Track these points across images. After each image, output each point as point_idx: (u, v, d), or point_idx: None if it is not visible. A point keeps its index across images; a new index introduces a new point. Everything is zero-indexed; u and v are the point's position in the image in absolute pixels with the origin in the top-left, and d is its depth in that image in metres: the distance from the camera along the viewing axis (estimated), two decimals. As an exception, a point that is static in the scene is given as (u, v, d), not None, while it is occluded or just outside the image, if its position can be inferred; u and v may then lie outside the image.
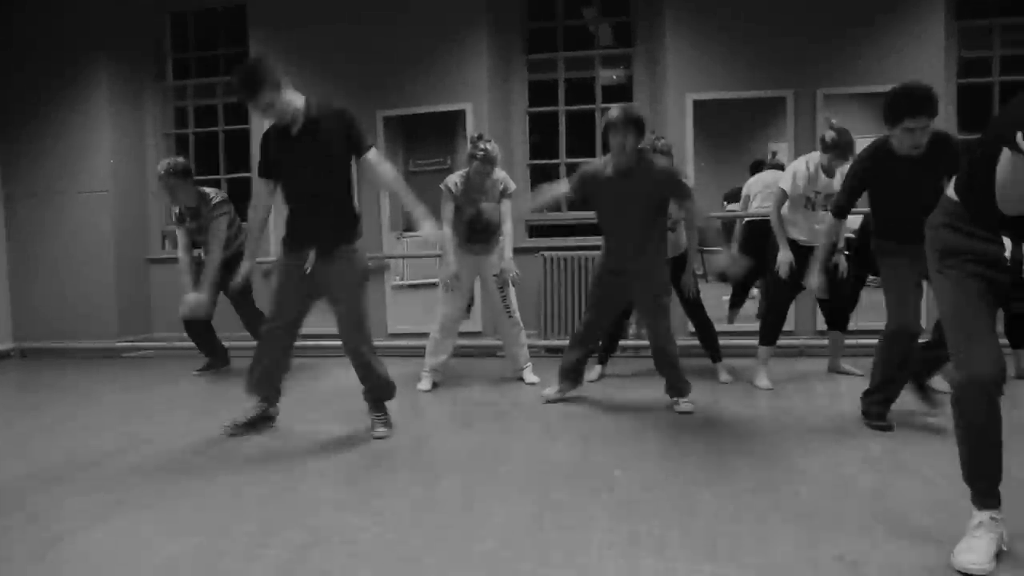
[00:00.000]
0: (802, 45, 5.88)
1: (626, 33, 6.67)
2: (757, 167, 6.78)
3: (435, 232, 3.79)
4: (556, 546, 2.50)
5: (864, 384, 4.01)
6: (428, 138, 8.57)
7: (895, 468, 3.22)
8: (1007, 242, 2.22)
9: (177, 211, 5.56)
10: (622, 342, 5.66)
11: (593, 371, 5.20)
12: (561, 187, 4.45)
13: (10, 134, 7.09)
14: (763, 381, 4.81)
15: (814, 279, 4.12)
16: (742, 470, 3.24)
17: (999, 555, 2.23)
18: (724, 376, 5.01)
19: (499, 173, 4.95)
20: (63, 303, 7.08)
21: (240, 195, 7.07)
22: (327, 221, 3.73)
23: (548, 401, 4.56)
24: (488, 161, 4.78)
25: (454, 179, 4.97)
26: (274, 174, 3.80)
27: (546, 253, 6.25)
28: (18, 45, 7.07)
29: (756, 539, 2.51)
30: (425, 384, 5.08)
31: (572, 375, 4.58)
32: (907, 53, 5.75)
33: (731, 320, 6.52)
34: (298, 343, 4.08)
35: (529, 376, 5.18)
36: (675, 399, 4.34)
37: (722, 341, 5.15)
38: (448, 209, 4.91)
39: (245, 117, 6.92)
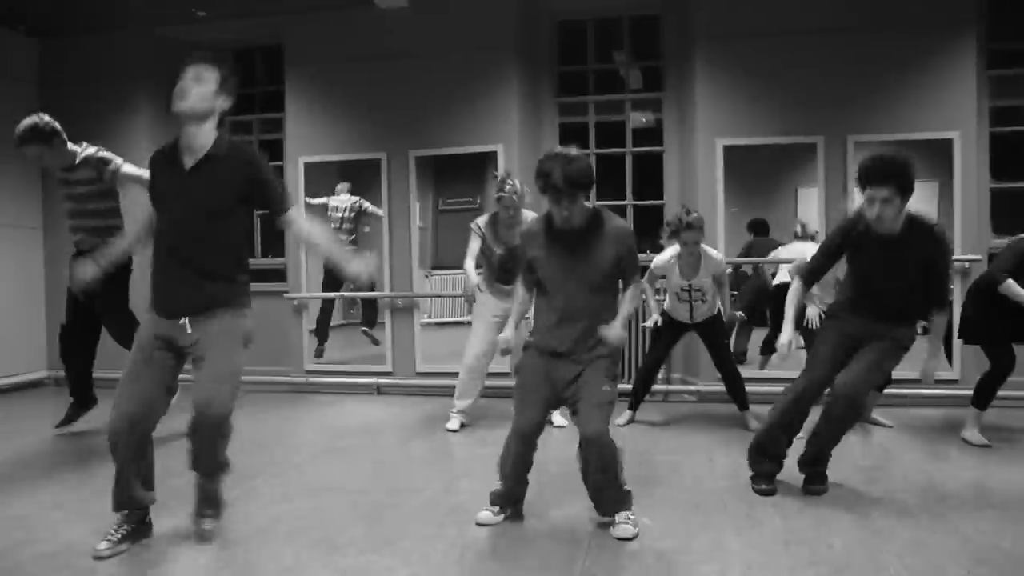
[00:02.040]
0: (833, 91, 5.88)
1: (656, 77, 6.74)
2: (759, 228, 6.68)
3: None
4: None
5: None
6: (459, 177, 8.63)
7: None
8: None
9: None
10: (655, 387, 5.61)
11: (623, 416, 5.17)
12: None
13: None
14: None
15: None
16: (774, 519, 3.20)
17: None
18: (753, 423, 4.94)
19: (528, 215, 4.93)
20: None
21: (272, 228, 7.16)
22: None
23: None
24: (509, 204, 4.78)
25: (482, 219, 5.02)
26: None
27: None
28: (65, 79, 7.17)
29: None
30: (453, 424, 5.07)
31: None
32: (939, 101, 5.72)
33: (762, 366, 6.38)
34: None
35: (557, 419, 5.10)
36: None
37: (751, 388, 5.12)
38: (473, 247, 4.94)
39: (279, 154, 6.99)
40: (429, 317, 7.52)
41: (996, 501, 3.39)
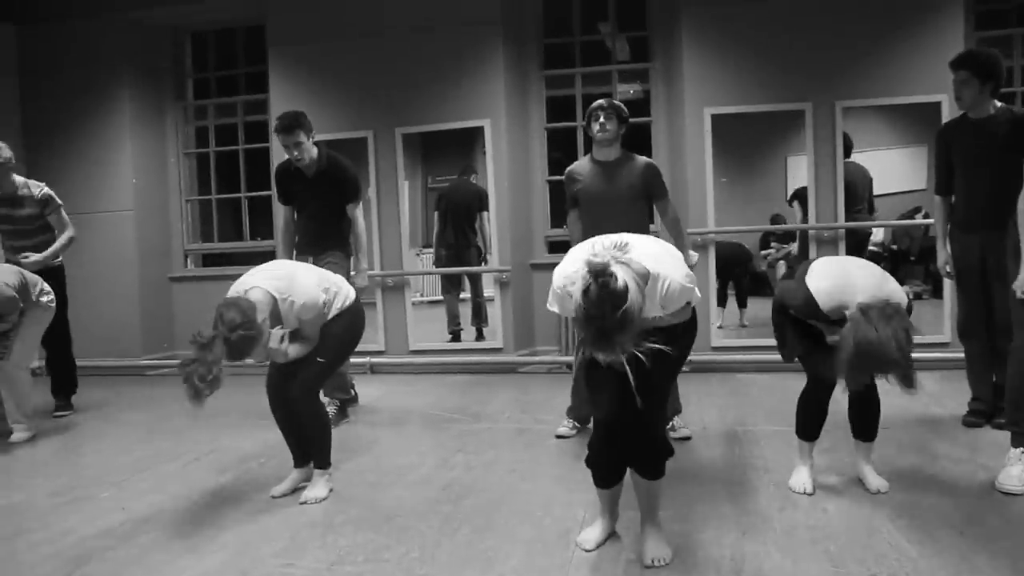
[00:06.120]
0: (820, 57, 5.84)
1: (643, 48, 6.68)
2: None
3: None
4: (583, 562, 2.49)
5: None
6: (446, 153, 8.59)
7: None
8: None
9: None
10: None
11: None
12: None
13: (35, 155, 7.12)
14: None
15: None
16: (768, 487, 3.21)
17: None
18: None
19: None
20: (88, 322, 7.08)
21: (260, 211, 7.14)
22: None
23: None
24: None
25: None
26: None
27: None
28: (43, 67, 7.15)
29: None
30: None
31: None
32: (927, 65, 5.69)
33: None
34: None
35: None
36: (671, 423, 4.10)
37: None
38: None
39: (265, 136, 6.96)
40: (421, 296, 7.52)
41: (987, 461, 3.40)
